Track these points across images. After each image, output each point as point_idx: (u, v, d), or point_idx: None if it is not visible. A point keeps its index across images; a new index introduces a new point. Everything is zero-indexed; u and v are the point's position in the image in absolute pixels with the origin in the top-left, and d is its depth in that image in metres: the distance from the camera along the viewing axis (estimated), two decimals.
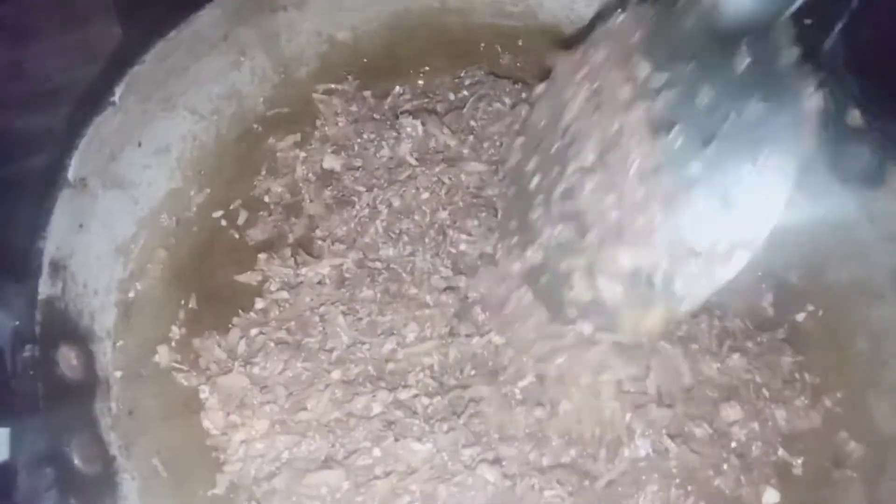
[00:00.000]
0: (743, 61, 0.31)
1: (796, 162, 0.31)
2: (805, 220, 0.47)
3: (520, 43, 0.54)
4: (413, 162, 0.47)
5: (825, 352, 0.44)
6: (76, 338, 0.36)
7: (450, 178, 0.46)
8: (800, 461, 0.41)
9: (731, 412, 0.41)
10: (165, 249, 0.44)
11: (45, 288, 0.34)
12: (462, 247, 0.43)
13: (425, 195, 0.45)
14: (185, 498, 0.36)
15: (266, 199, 0.47)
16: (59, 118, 0.50)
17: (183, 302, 0.43)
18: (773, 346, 0.44)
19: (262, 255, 0.44)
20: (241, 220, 0.46)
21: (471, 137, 0.48)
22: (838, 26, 0.47)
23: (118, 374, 0.38)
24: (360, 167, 0.47)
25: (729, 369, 0.42)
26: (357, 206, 0.45)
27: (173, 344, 0.41)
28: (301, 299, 0.41)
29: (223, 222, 0.46)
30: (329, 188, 0.47)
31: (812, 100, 0.31)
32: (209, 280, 0.44)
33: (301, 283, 0.42)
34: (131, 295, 0.41)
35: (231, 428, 0.37)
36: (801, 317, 0.45)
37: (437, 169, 0.46)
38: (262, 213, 0.47)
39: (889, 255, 0.44)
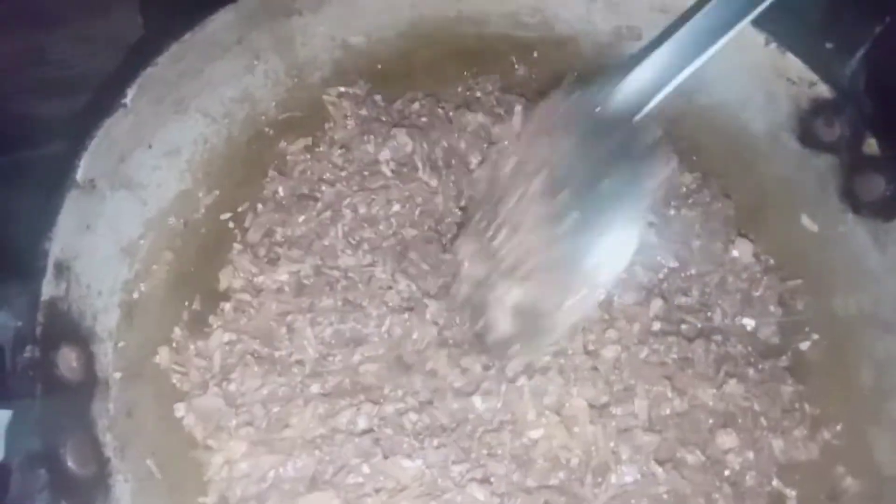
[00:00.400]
0: (610, 143, 0.39)
1: (638, 225, 0.38)
2: (814, 248, 0.47)
3: (535, 55, 0.53)
4: (388, 173, 0.47)
5: (828, 382, 0.43)
6: (77, 339, 0.36)
7: (422, 199, 0.46)
8: (794, 493, 0.41)
9: (727, 439, 0.41)
10: (172, 251, 0.44)
11: (48, 289, 0.35)
12: (423, 267, 0.43)
13: (396, 207, 0.45)
14: (178, 502, 0.37)
15: (272, 202, 0.48)
16: (78, 105, 0.51)
17: (186, 304, 0.43)
18: (775, 374, 0.43)
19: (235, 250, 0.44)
20: (248, 223, 0.46)
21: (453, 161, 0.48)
22: (860, 52, 0.46)
23: (118, 374, 0.39)
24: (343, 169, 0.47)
25: (726, 395, 0.41)
26: (319, 205, 0.45)
27: (174, 345, 0.42)
28: (266, 306, 0.42)
29: (231, 224, 0.47)
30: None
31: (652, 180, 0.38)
32: (214, 282, 0.44)
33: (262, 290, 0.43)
34: (135, 296, 0.42)
35: (210, 450, 0.37)
36: (805, 345, 0.45)
37: (412, 185, 0.46)
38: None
39: None
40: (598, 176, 0.38)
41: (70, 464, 0.32)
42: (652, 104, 0.40)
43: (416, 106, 0.51)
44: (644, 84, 0.40)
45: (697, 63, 0.39)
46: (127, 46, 0.51)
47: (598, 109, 0.40)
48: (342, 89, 0.51)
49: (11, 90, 0.55)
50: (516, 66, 0.53)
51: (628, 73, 0.40)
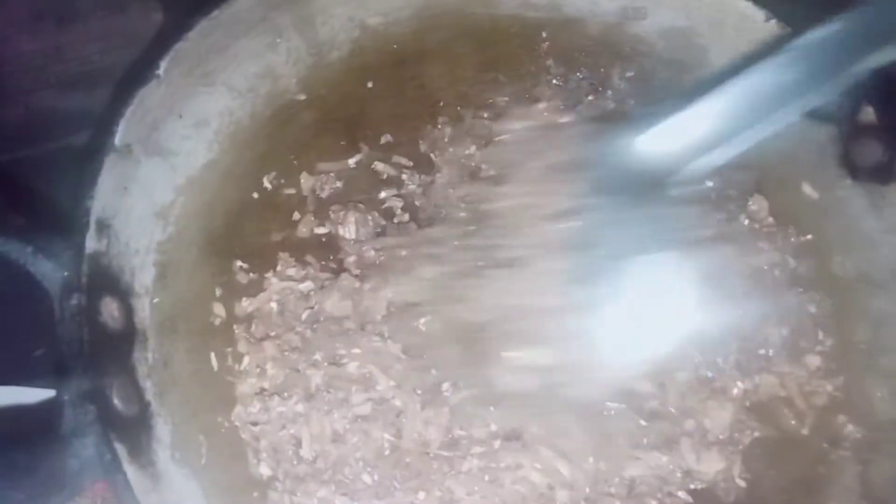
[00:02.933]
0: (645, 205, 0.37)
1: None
2: (815, 213, 0.49)
3: (543, 35, 0.55)
4: None
5: (829, 338, 0.46)
6: (118, 291, 0.38)
7: None
8: None
9: None
10: (201, 216, 0.46)
11: (91, 243, 0.37)
12: None
13: None
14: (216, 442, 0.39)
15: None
16: (97, 99, 0.53)
17: (216, 266, 0.46)
18: None
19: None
20: (271, 191, 0.49)
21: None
22: None
23: (154, 328, 0.41)
24: None
25: None
26: None
27: (206, 305, 0.44)
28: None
29: (255, 195, 0.49)
30: None
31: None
32: (240, 247, 0.47)
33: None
34: (168, 257, 0.44)
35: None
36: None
37: None
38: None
39: (893, 247, 0.45)
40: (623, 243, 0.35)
41: (116, 402, 0.34)
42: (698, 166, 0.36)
43: None
44: (688, 139, 0.36)
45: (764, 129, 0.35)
46: (144, 41, 0.53)
47: (630, 159, 0.36)
48: None
49: (34, 86, 0.57)
50: (525, 46, 0.55)
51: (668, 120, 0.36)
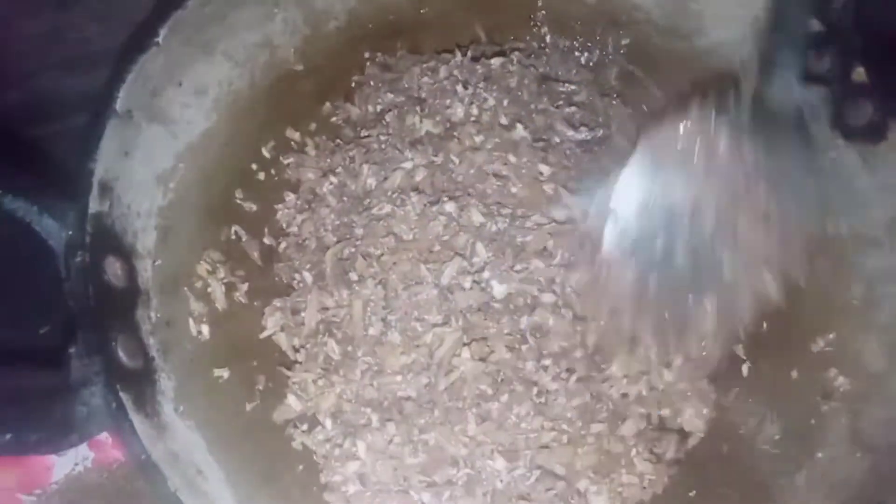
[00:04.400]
0: None
1: None
2: (806, 174, 0.49)
3: (539, 3, 0.56)
4: None
5: (820, 295, 0.46)
6: (121, 251, 0.39)
7: None
8: None
9: None
10: (200, 184, 0.47)
11: (94, 204, 0.38)
12: None
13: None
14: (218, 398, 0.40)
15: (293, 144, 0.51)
16: (98, 79, 0.54)
17: (215, 231, 0.47)
18: None
19: None
20: (270, 160, 0.50)
21: None
22: None
23: (157, 289, 0.42)
24: None
25: None
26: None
27: (207, 268, 0.45)
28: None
29: (254, 166, 0.50)
30: None
31: None
32: (239, 214, 0.48)
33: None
34: (169, 221, 0.44)
35: None
36: None
37: None
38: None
39: (886, 204, 0.45)
40: None
41: (121, 355, 0.35)
42: None
43: None
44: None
45: None
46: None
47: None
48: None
49: (35, 68, 0.58)
50: (524, 17, 0.56)
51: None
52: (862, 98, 0.47)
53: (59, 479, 0.55)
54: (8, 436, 0.30)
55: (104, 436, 0.55)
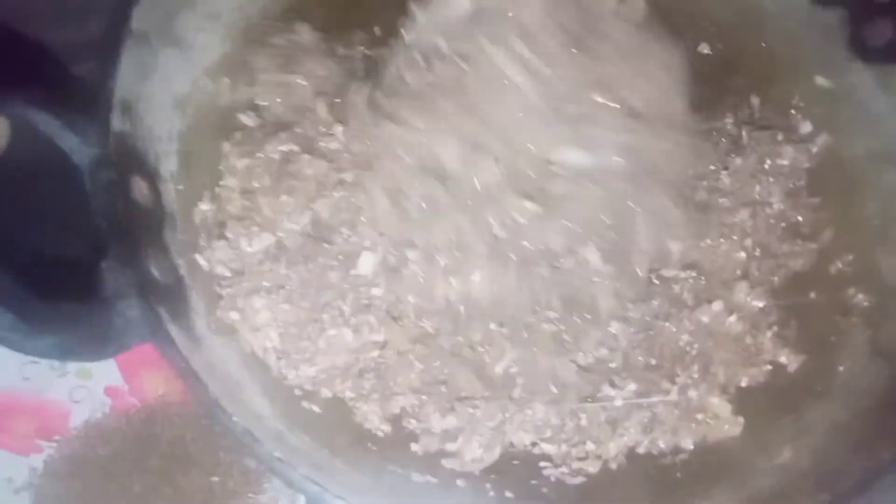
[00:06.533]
0: None
1: None
2: (825, 101, 0.49)
3: None
4: None
5: (839, 216, 0.47)
6: (145, 172, 0.39)
7: None
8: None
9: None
10: (217, 109, 0.46)
11: (117, 123, 0.37)
12: None
13: None
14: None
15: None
16: (91, 30, 0.52)
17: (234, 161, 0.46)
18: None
19: None
20: None
21: None
22: None
23: (181, 214, 0.41)
24: None
25: None
26: None
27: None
28: None
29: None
30: None
31: None
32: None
33: None
34: (189, 147, 0.44)
35: None
36: None
37: None
38: None
39: None
40: None
41: (153, 270, 0.35)
42: None
43: None
44: None
45: None
46: None
47: None
48: None
49: (28, 16, 0.56)
50: None
51: None
52: (881, 17, 0.47)
53: (77, 426, 0.55)
54: (51, 339, 0.30)
55: (121, 383, 0.55)
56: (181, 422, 0.54)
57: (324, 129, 0.46)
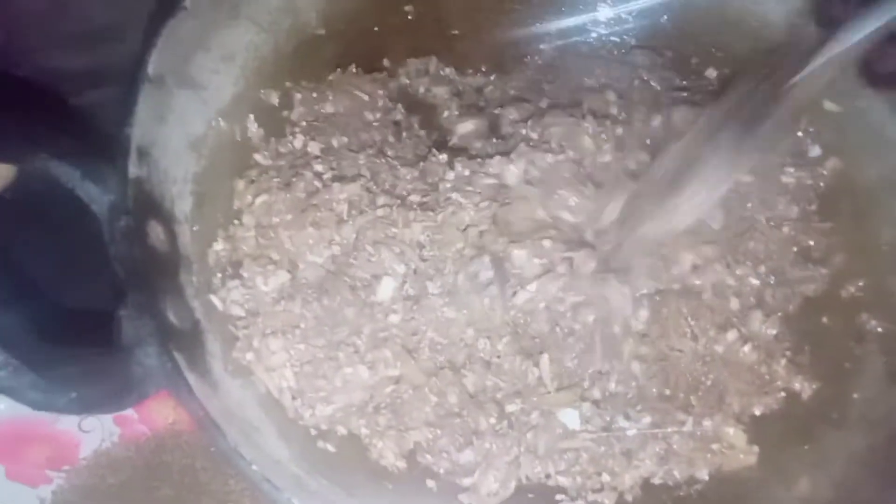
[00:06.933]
0: None
1: None
2: (836, 127, 0.50)
3: None
4: None
5: (852, 243, 0.47)
6: (161, 216, 0.40)
7: None
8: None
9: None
10: (232, 149, 0.47)
11: (133, 169, 0.38)
12: None
13: None
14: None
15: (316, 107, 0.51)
16: (99, 56, 0.53)
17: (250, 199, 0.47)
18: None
19: None
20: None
21: None
22: None
23: (196, 255, 0.42)
24: None
25: None
26: None
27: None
28: None
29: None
30: None
31: None
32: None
33: None
34: (204, 187, 0.45)
35: None
36: None
37: None
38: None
39: None
40: None
41: (171, 316, 0.36)
42: None
43: None
44: None
45: None
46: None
47: None
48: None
49: (37, 44, 0.57)
50: None
51: None
52: (888, 44, 0.47)
53: (86, 456, 0.55)
54: (73, 394, 0.31)
55: (131, 412, 0.55)
56: (191, 450, 0.54)
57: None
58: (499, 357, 0.42)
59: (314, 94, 0.50)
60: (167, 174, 0.42)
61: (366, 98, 0.50)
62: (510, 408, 0.41)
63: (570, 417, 0.41)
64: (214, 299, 0.41)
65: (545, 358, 0.42)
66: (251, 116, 0.49)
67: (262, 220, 0.45)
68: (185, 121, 0.44)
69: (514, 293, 0.42)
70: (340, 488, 0.36)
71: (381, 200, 0.45)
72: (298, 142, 0.49)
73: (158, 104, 0.41)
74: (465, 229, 0.44)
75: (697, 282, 0.45)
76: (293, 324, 0.41)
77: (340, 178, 0.46)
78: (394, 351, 0.42)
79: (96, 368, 0.33)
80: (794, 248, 0.47)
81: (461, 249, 0.43)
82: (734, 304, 0.45)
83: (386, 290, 0.43)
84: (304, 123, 0.50)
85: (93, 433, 0.55)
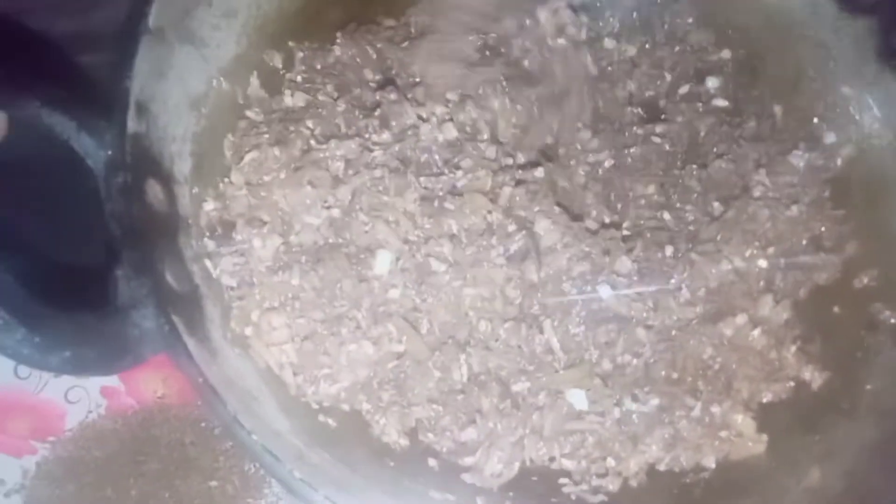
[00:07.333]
0: None
1: None
2: (853, 110, 0.49)
3: None
4: None
5: (862, 230, 0.46)
6: (160, 175, 0.38)
7: None
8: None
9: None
10: (231, 110, 0.45)
11: (132, 124, 0.36)
12: None
13: None
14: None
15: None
16: (93, 21, 0.51)
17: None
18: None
19: None
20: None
21: None
22: None
23: (195, 217, 0.40)
24: None
25: None
26: None
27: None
28: None
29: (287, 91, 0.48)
30: None
31: None
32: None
33: None
34: (203, 148, 0.43)
35: None
36: None
37: None
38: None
39: None
40: None
41: (169, 278, 0.34)
42: None
43: None
44: None
45: None
46: None
47: None
48: None
49: (29, 6, 0.55)
50: None
51: None
52: None
53: (72, 427, 0.54)
54: (67, 353, 0.29)
55: (118, 384, 0.54)
56: (180, 424, 0.53)
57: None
58: (504, 331, 0.41)
59: (318, 51, 0.48)
60: (166, 132, 0.40)
61: (374, 56, 0.48)
62: (516, 387, 0.40)
63: (577, 398, 0.40)
64: (208, 264, 0.40)
65: (548, 323, 0.40)
66: (254, 78, 0.46)
67: (251, 178, 0.43)
68: (185, 78, 0.42)
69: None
70: (343, 463, 0.35)
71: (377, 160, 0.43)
72: (289, 97, 0.46)
73: (158, 58, 0.39)
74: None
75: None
76: (292, 295, 0.39)
77: (336, 136, 0.44)
78: (397, 325, 0.41)
79: (91, 328, 0.31)
80: (807, 235, 0.46)
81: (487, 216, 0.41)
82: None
83: (382, 263, 0.41)
84: (299, 79, 0.48)
85: (79, 404, 0.53)
